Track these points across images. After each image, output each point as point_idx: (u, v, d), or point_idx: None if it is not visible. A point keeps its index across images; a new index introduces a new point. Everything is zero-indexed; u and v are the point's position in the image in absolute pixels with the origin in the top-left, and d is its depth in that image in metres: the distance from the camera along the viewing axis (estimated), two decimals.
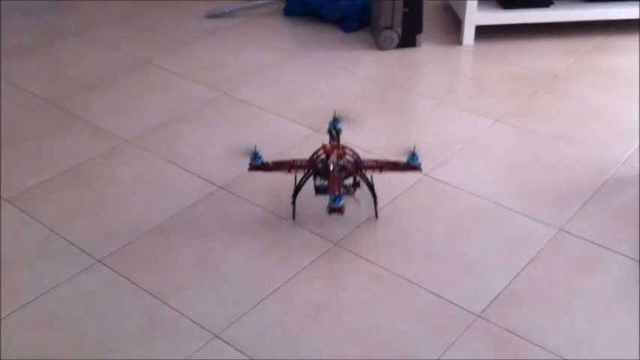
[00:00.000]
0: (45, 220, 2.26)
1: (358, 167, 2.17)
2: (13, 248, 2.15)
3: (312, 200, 2.27)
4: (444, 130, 2.71)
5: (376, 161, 2.20)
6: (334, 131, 2.24)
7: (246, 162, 2.40)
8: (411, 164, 2.19)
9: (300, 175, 2.22)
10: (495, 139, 2.65)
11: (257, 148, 2.27)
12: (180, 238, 2.17)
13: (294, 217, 2.23)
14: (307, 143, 2.64)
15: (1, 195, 2.38)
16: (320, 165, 2.14)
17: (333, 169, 2.11)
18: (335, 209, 2.02)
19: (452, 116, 2.80)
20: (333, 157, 2.12)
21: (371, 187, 2.20)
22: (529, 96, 2.92)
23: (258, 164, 2.24)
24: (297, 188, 2.21)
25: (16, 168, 2.52)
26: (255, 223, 2.23)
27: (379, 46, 3.31)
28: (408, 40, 3.31)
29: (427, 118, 2.80)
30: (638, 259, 2.05)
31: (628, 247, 2.09)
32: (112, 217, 2.28)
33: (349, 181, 2.18)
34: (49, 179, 2.46)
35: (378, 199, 2.24)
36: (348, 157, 2.15)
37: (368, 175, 2.23)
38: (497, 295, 1.93)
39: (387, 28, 3.27)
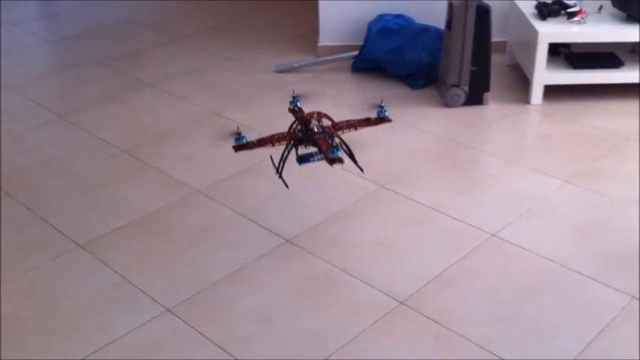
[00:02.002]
0: (117, 266, 2.32)
1: (335, 128, 2.31)
2: (85, 294, 2.21)
3: (374, 249, 2.27)
4: (512, 189, 2.69)
5: (349, 121, 2.35)
6: (297, 108, 2.38)
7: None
8: (381, 117, 2.38)
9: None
10: (564, 200, 2.61)
11: (240, 129, 2.35)
12: (247, 290, 2.20)
13: (287, 186, 2.30)
14: (373, 198, 2.65)
15: (76, 241, 2.45)
16: (300, 134, 2.26)
17: (317, 130, 2.23)
18: (335, 159, 2.13)
19: (519, 175, 2.78)
20: (314, 121, 2.26)
21: (347, 145, 2.31)
22: (599, 157, 2.88)
23: (242, 144, 2.34)
24: (283, 160, 2.31)
25: (91, 215, 2.61)
26: (318, 278, 2.24)
27: (446, 103, 3.33)
28: (476, 98, 3.32)
29: (494, 177, 2.79)
30: None
31: None
32: (181, 266, 2.32)
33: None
34: (122, 227, 2.53)
35: None
36: (325, 121, 2.30)
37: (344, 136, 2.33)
38: None
39: (454, 85, 3.29)
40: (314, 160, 2.24)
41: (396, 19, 3.68)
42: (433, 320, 2.05)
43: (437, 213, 2.54)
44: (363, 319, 2.06)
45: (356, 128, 2.35)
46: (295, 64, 3.74)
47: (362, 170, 2.36)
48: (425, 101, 3.41)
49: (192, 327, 2.06)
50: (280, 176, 2.33)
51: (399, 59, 3.54)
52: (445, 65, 3.34)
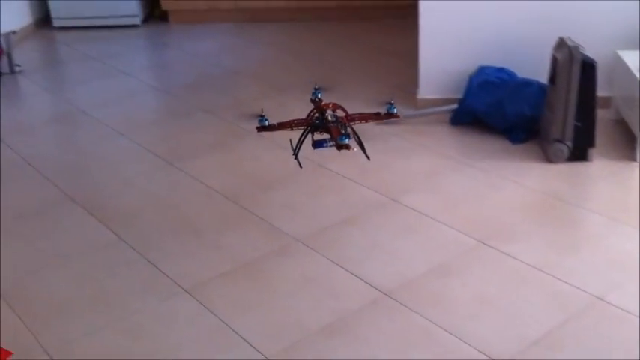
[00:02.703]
0: (219, 311, 2.39)
1: (348, 119, 2.52)
2: (188, 337, 2.28)
3: (476, 307, 2.24)
4: (618, 250, 2.61)
5: (362, 114, 2.54)
6: (317, 99, 2.56)
7: None
8: (390, 112, 2.55)
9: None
10: None
11: (263, 112, 2.56)
12: (345, 342, 2.22)
13: (300, 166, 2.43)
14: (474, 253, 2.63)
15: (181, 285, 2.54)
16: (317, 121, 2.48)
17: (331, 119, 2.45)
18: (342, 146, 2.32)
19: (626, 236, 2.70)
20: (329, 111, 2.49)
21: (358, 136, 2.48)
22: None
23: (265, 125, 2.56)
24: (299, 144, 2.52)
25: (196, 259, 2.70)
26: (418, 335, 2.24)
27: (548, 158, 3.28)
28: (579, 153, 3.26)
29: (599, 236, 2.72)
30: None
31: None
32: (281, 315, 2.37)
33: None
34: (225, 272, 2.61)
35: None
36: (339, 112, 2.50)
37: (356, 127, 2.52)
38: None
39: (557, 140, 3.24)
40: (327, 146, 2.46)
41: (497, 72, 3.68)
42: None
43: (540, 272, 2.49)
44: None
45: (367, 121, 2.57)
46: None
47: (369, 159, 2.58)
48: (526, 156, 3.37)
49: None
50: (296, 158, 2.56)
51: (500, 113, 3.52)
52: (548, 120, 3.30)
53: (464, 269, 2.56)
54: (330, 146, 2.57)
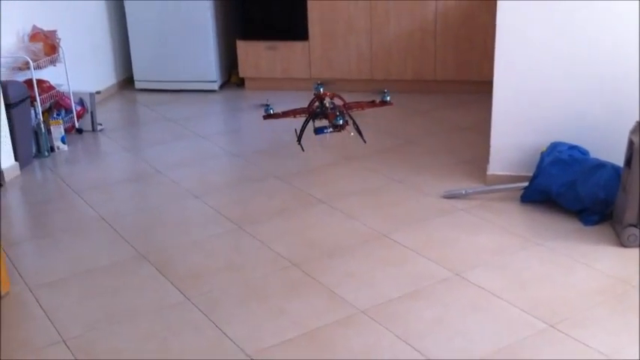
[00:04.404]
0: None
1: (346, 107, 2.85)
2: None
3: None
4: None
5: (358, 102, 2.85)
6: (318, 91, 2.88)
7: None
8: (384, 100, 2.90)
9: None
10: None
11: (268, 101, 2.93)
12: None
13: (302, 149, 2.77)
14: (543, 337, 2.57)
15: (244, 350, 2.56)
16: (317, 110, 2.82)
17: (328, 106, 2.82)
18: (337, 125, 2.70)
19: None
20: (327, 99, 2.86)
21: (354, 120, 2.80)
22: None
23: (270, 113, 2.91)
24: (302, 130, 2.90)
25: (261, 324, 2.73)
26: None
27: (622, 242, 3.21)
28: None
29: None
30: None
31: None
32: None
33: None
34: (289, 340, 2.62)
35: None
36: (337, 100, 2.82)
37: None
38: None
39: (631, 225, 3.17)
40: (327, 132, 2.87)
41: (570, 150, 3.64)
42: None
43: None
44: None
45: (363, 108, 2.93)
46: (464, 192, 3.77)
47: (365, 142, 3.02)
48: (598, 238, 3.30)
49: None
50: (299, 142, 3.01)
51: (573, 193, 3.48)
52: (622, 203, 3.24)
53: (532, 353, 2.50)
54: (330, 132, 3.02)
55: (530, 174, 3.70)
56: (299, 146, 3.00)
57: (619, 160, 3.38)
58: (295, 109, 3.19)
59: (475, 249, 3.26)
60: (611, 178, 3.41)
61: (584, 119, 3.70)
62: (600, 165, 3.48)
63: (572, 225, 3.44)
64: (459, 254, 3.22)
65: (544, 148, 3.70)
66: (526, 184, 3.68)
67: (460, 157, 4.33)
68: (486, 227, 3.46)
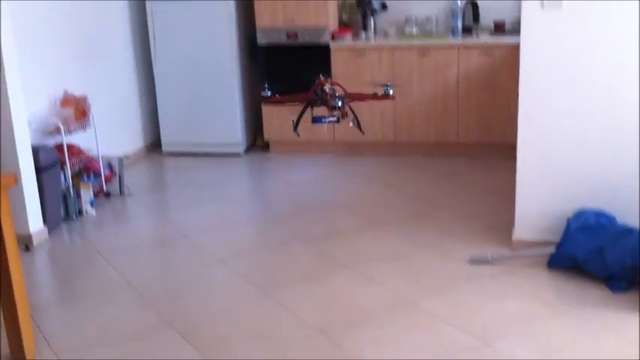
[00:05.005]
0: None
1: (347, 96, 2.92)
2: None
3: None
4: None
5: (360, 94, 2.95)
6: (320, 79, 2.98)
7: None
8: (386, 93, 2.96)
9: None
10: None
11: (266, 84, 2.99)
12: None
13: (298, 135, 3.01)
14: None
15: None
16: (316, 96, 2.90)
17: (328, 91, 2.88)
18: (334, 107, 2.79)
19: None
20: (328, 85, 2.94)
21: (354, 112, 2.86)
22: None
23: (268, 96, 3.00)
24: (299, 116, 2.92)
25: None
26: None
27: None
28: None
29: None
30: None
31: None
32: None
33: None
34: None
35: None
36: (338, 89, 2.92)
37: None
38: None
39: None
40: (325, 121, 2.89)
41: (596, 216, 3.61)
42: None
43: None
44: None
45: (364, 100, 3.01)
46: (489, 257, 3.75)
47: (363, 133, 3.14)
48: (628, 306, 3.25)
49: None
50: (295, 130, 3.04)
51: (600, 260, 3.44)
52: None
53: None
54: (329, 122, 3.11)
55: (556, 239, 3.67)
56: (296, 132, 3.15)
57: None
58: (295, 95, 3.37)
59: (502, 317, 3.23)
60: (638, 244, 3.37)
61: (609, 184, 3.68)
62: (627, 231, 3.45)
63: (600, 292, 3.40)
64: (486, 322, 3.18)
65: (570, 215, 3.68)
66: (552, 249, 3.65)
67: (485, 221, 4.32)
68: (513, 294, 3.43)
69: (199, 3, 5.75)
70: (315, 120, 3.22)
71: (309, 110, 3.07)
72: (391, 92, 3.20)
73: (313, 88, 3.09)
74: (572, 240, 3.56)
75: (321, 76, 3.21)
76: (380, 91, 3.25)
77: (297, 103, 3.24)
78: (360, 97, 3.28)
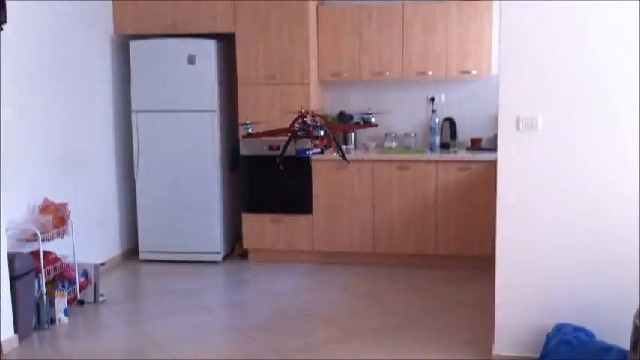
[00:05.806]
0: None
1: (329, 128, 2.99)
2: None
3: None
4: None
5: (342, 123, 3.04)
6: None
7: None
8: (366, 121, 3.07)
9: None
10: None
11: (248, 120, 3.05)
12: None
13: (281, 169, 3.14)
14: None
15: None
16: (298, 131, 2.95)
17: (310, 123, 2.94)
18: (317, 136, 2.86)
19: None
20: (309, 116, 2.99)
21: (337, 142, 2.92)
22: None
23: (250, 133, 3.02)
24: (284, 149, 2.99)
25: None
26: None
27: None
28: None
29: None
30: None
31: None
32: None
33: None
34: None
35: None
36: (319, 119, 2.97)
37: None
38: None
39: None
40: (309, 153, 3.09)
41: (575, 332, 3.60)
42: None
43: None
44: None
45: (347, 130, 3.18)
46: None
47: (348, 162, 3.24)
48: None
49: None
50: (279, 163, 3.09)
51: None
52: None
53: None
54: (313, 153, 3.20)
55: (536, 355, 3.63)
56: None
57: (625, 342, 3.33)
58: (276, 129, 3.40)
59: None
60: None
61: (588, 299, 3.69)
62: (607, 349, 3.43)
63: None
64: None
65: (549, 330, 3.66)
66: None
67: (464, 336, 4.27)
68: None
69: (185, 114, 5.86)
70: (300, 153, 3.40)
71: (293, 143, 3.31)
72: (373, 120, 3.40)
73: (295, 120, 3.15)
74: (552, 355, 3.53)
75: (301, 108, 3.37)
76: (362, 121, 3.49)
77: (282, 136, 3.40)
78: (344, 127, 3.53)
